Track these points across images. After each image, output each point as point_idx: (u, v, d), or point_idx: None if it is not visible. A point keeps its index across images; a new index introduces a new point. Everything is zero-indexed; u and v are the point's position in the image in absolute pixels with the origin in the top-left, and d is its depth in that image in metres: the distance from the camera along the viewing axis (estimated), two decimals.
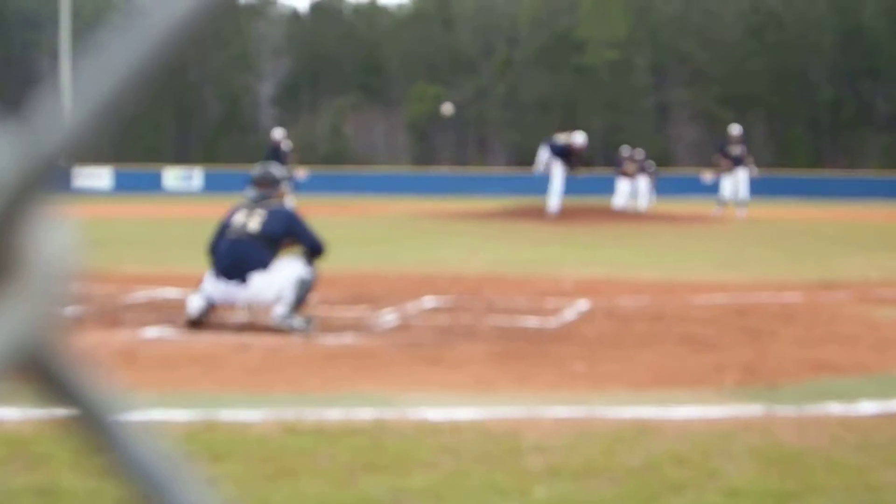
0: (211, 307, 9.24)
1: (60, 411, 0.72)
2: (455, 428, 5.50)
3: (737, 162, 32.79)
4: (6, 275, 0.66)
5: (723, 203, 32.52)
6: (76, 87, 0.67)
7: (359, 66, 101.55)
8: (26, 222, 0.66)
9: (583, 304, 10.84)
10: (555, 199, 28.13)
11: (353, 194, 55.99)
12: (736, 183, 32.67)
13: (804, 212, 33.33)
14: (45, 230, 0.67)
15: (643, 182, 35.94)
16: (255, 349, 8.04)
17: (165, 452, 0.74)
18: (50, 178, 0.66)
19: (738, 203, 32.17)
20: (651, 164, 37.41)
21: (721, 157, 33.61)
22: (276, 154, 28.35)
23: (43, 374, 0.70)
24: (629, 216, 28.51)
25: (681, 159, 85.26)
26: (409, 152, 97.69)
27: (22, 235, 0.66)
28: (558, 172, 28.89)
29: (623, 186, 35.44)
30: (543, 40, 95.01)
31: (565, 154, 29.18)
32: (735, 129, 34.74)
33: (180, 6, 0.65)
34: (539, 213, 28.31)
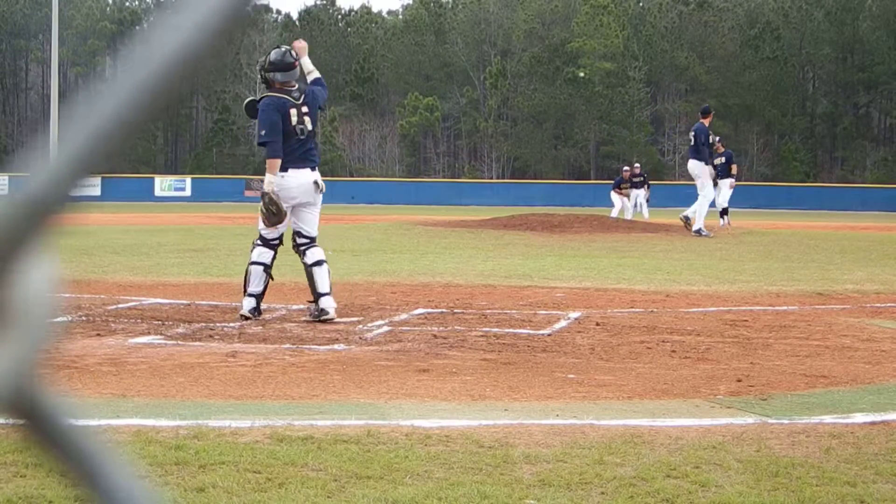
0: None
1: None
2: (446, 438, 5.46)
3: (719, 173, 32.84)
4: None
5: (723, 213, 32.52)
6: (62, 137, 0.67)
7: (351, 76, 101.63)
8: (14, 271, 0.67)
9: (575, 315, 10.81)
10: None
11: (344, 204, 56.00)
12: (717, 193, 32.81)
13: (800, 223, 33.37)
14: (29, 273, 0.68)
15: (642, 193, 36.31)
16: (245, 357, 8.00)
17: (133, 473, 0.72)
18: (38, 223, 0.65)
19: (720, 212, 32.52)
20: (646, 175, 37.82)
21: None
22: None
23: (26, 413, 0.68)
24: (624, 226, 28.46)
25: (675, 171, 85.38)
26: (402, 162, 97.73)
27: (9, 285, 0.67)
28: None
29: (618, 200, 35.67)
30: (537, 52, 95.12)
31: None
32: (716, 140, 34.94)
33: (204, 13, 0.65)
34: (531, 224, 28.27)
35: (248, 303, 10.21)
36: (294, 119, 10.23)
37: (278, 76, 10.35)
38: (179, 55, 0.66)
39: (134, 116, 0.66)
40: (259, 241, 10.39)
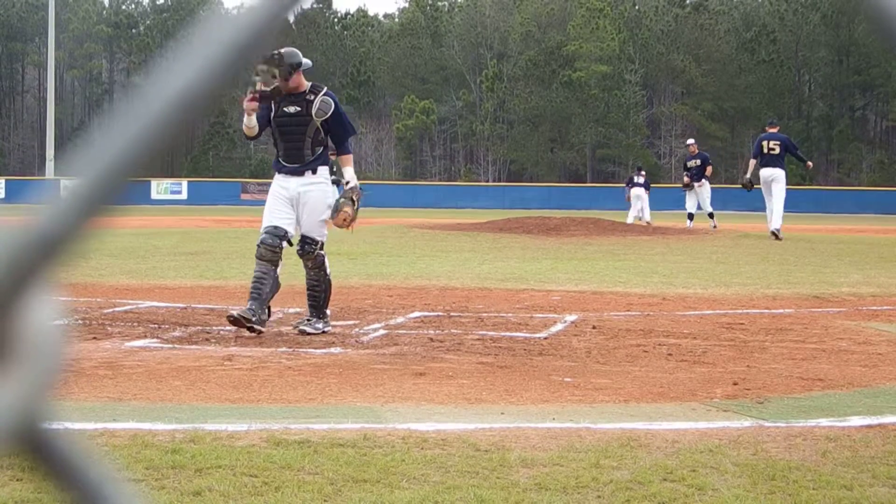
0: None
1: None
2: (442, 441, 5.46)
3: (693, 176, 32.98)
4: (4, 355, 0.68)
5: (705, 215, 32.61)
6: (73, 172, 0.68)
7: (347, 79, 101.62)
8: (21, 307, 0.70)
9: (572, 318, 10.81)
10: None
11: None
12: (697, 196, 32.99)
13: (797, 226, 33.35)
14: (35, 310, 0.71)
15: (644, 197, 36.69)
16: (241, 361, 7.99)
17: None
18: (46, 259, 0.70)
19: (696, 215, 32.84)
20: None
21: (684, 172, 33.95)
22: None
23: (36, 449, 0.70)
24: (620, 229, 28.46)
25: (671, 174, 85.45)
26: (398, 165, 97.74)
27: (17, 320, 0.69)
28: None
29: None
30: (533, 55, 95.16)
31: None
32: (688, 142, 35.33)
33: (215, 49, 0.65)
34: (527, 227, 28.28)
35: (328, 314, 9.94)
36: None
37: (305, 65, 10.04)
38: (180, 102, 0.66)
39: (141, 156, 0.66)
40: (321, 249, 9.99)
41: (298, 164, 9.86)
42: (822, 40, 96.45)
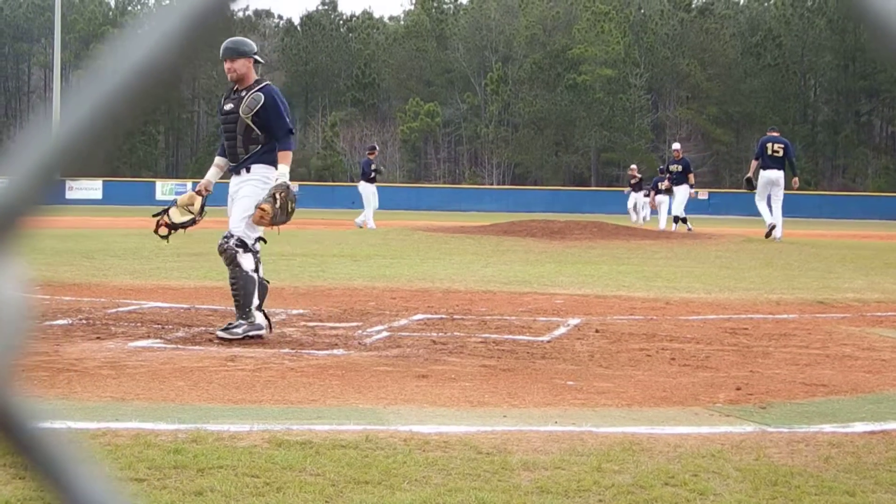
0: None
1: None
2: (444, 443, 5.46)
3: (674, 180, 33.13)
4: None
5: (679, 219, 32.80)
6: (28, 143, 0.67)
7: (352, 81, 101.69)
8: None
9: (575, 321, 10.81)
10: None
11: (345, 210, 55.95)
12: (672, 200, 33.21)
13: (800, 231, 33.35)
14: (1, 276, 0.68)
15: (641, 197, 36.84)
16: (244, 362, 7.99)
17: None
18: (5, 230, 0.66)
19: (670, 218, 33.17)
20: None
21: (667, 174, 34.22)
22: None
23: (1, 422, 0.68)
24: (624, 233, 28.43)
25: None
26: (403, 168, 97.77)
27: None
28: None
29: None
30: (538, 58, 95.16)
31: None
32: (674, 146, 35.56)
33: (172, 20, 0.64)
34: (531, 230, 28.29)
35: (261, 318, 9.27)
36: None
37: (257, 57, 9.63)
38: (147, 65, 0.66)
39: (102, 124, 0.66)
40: (237, 244, 9.21)
41: (234, 163, 9.43)
42: (827, 45, 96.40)
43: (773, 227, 26.71)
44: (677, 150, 34.44)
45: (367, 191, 33.31)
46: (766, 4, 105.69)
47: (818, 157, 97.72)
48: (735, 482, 4.91)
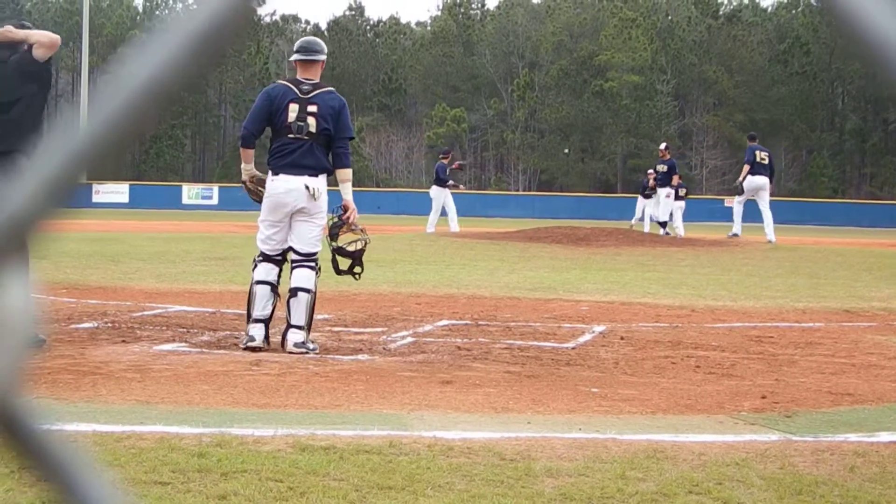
0: None
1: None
2: (468, 449, 5.45)
3: (658, 181, 33.07)
4: None
5: (666, 225, 32.71)
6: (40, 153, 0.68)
7: (379, 87, 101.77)
8: None
9: (600, 328, 10.79)
10: None
11: (371, 214, 55.98)
12: (657, 203, 33.07)
13: (827, 239, 33.21)
14: (7, 287, 0.68)
15: (651, 202, 36.82)
16: (268, 366, 8.01)
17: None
18: (16, 239, 0.67)
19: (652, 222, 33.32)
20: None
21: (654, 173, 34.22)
22: None
23: (7, 425, 0.69)
24: (650, 240, 28.37)
25: (703, 185, 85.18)
26: (429, 173, 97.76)
27: None
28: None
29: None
30: (565, 64, 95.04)
31: None
32: (660, 146, 35.57)
33: (198, 22, 0.65)
34: (556, 236, 28.26)
35: (258, 331, 8.88)
36: (292, 115, 8.98)
37: (296, 56, 9.22)
38: (171, 68, 0.66)
39: (113, 135, 0.66)
40: (260, 258, 9.04)
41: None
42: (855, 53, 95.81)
43: (736, 235, 27.99)
44: (663, 150, 34.31)
45: (439, 195, 33.16)
46: (793, 12, 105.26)
47: (846, 165, 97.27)
48: (759, 491, 4.89)
